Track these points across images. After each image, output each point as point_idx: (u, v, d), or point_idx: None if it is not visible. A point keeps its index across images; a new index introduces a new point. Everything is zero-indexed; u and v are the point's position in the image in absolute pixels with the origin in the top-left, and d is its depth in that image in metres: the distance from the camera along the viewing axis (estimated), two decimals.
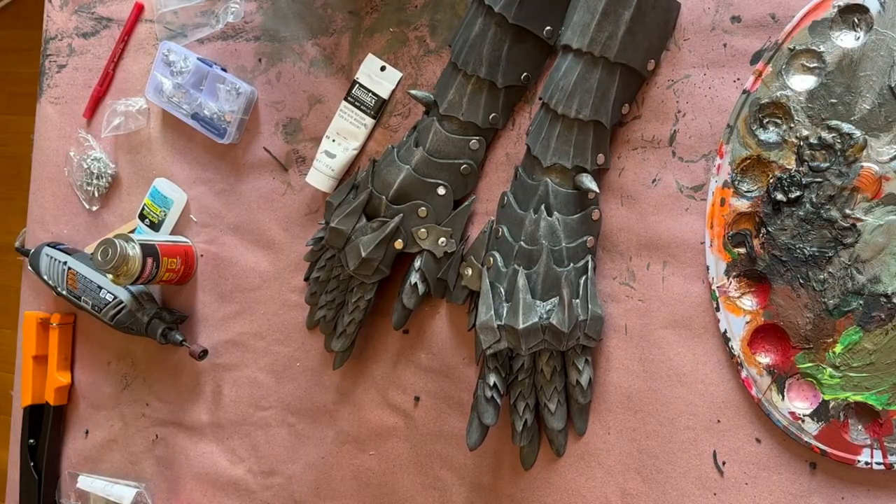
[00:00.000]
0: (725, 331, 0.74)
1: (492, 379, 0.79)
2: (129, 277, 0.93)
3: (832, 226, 0.70)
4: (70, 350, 1.07)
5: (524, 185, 0.79)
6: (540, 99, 0.79)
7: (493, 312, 0.76)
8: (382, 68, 0.89)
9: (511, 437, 0.81)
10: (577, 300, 0.76)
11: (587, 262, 0.78)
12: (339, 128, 0.90)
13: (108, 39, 1.05)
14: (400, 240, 0.84)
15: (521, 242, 0.78)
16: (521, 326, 0.75)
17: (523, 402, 0.80)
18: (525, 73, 0.82)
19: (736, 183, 0.74)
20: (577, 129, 0.76)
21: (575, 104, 0.75)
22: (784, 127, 0.72)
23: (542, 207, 0.77)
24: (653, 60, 0.77)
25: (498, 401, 0.79)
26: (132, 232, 1.02)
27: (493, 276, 0.79)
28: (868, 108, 0.69)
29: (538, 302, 0.76)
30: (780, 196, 0.72)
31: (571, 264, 0.77)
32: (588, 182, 0.76)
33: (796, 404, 0.72)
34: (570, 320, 0.75)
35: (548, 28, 0.80)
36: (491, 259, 0.79)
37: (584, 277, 0.77)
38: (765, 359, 0.73)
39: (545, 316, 0.76)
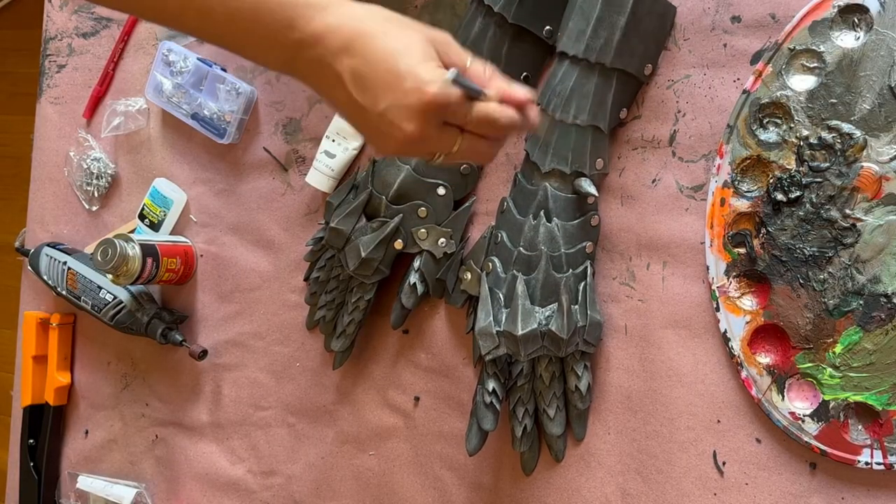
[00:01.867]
0: (725, 331, 0.74)
1: (491, 385, 0.79)
2: (128, 277, 0.93)
3: (832, 226, 0.70)
4: (70, 350, 1.07)
5: (523, 190, 0.79)
6: (538, 104, 0.79)
7: (491, 318, 0.76)
8: None
9: (511, 442, 0.81)
10: (576, 306, 0.76)
11: (586, 267, 0.78)
12: (339, 128, 0.90)
13: (108, 39, 1.05)
14: (400, 240, 0.84)
15: (521, 248, 0.78)
16: (519, 333, 0.75)
17: (522, 407, 0.80)
18: (525, 73, 0.82)
19: (736, 183, 0.74)
20: (575, 134, 0.76)
21: (572, 110, 0.75)
22: (784, 127, 0.72)
23: (542, 213, 0.77)
24: (650, 65, 0.77)
25: (497, 406, 0.79)
26: (132, 232, 1.02)
27: (492, 281, 0.79)
28: (868, 108, 0.69)
29: (537, 308, 0.76)
30: (780, 196, 0.72)
31: (570, 270, 0.77)
32: (587, 186, 0.76)
33: (796, 404, 0.72)
34: (569, 326, 0.75)
35: (547, 28, 0.80)
36: (490, 264, 0.79)
37: (583, 283, 0.77)
38: (765, 359, 0.73)
39: (544, 322, 0.76)
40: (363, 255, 0.83)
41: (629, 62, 0.75)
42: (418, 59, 0.59)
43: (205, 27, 0.63)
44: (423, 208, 0.83)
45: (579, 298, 0.76)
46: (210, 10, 0.60)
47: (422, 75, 0.58)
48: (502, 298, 0.78)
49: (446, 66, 0.61)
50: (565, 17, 0.76)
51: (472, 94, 0.60)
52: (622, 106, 0.77)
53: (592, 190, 0.76)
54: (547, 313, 0.76)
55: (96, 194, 1.05)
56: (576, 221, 0.77)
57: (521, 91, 0.62)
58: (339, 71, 0.60)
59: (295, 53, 0.61)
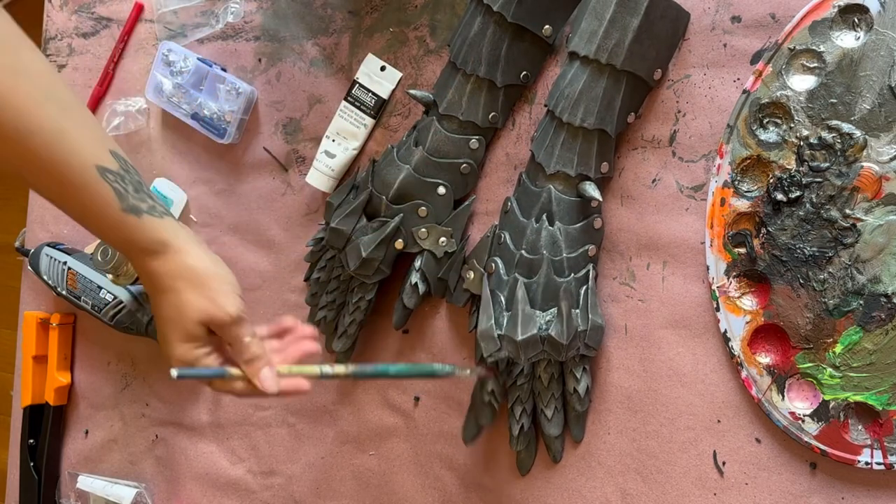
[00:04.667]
0: (725, 331, 0.74)
1: (490, 384, 0.79)
2: (129, 277, 0.93)
3: (832, 226, 0.70)
4: (70, 350, 1.07)
5: (527, 191, 0.79)
6: (545, 106, 0.79)
7: (493, 321, 0.76)
8: (382, 68, 0.89)
9: (508, 441, 0.81)
10: (577, 310, 0.76)
11: (588, 271, 0.77)
12: (339, 128, 0.90)
13: (108, 39, 1.05)
14: (400, 240, 0.84)
15: (523, 251, 0.77)
16: (519, 338, 0.75)
17: (521, 407, 0.80)
18: (524, 72, 0.82)
19: (736, 183, 0.74)
20: (582, 137, 0.76)
21: (580, 112, 0.75)
22: (784, 127, 0.72)
23: (544, 216, 0.77)
24: (660, 70, 0.76)
25: (495, 405, 0.79)
26: None
27: (495, 283, 0.79)
28: (868, 108, 0.69)
29: (538, 312, 0.76)
30: (780, 196, 0.72)
31: (572, 274, 0.77)
32: (591, 190, 0.76)
33: (796, 404, 0.72)
34: (570, 332, 0.75)
35: (547, 27, 0.80)
36: (493, 265, 0.79)
37: (584, 287, 0.77)
38: (765, 359, 0.73)
39: (544, 327, 0.76)
40: (364, 255, 0.83)
41: (640, 65, 0.74)
42: (179, 336, 0.71)
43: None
44: (423, 208, 0.83)
45: (580, 302, 0.76)
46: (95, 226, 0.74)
47: (171, 355, 0.72)
48: (504, 301, 0.78)
49: (224, 341, 0.74)
50: (577, 18, 0.76)
51: (212, 378, 0.73)
52: (630, 110, 0.77)
53: (597, 194, 0.76)
54: (547, 318, 0.76)
55: None
56: (578, 225, 0.77)
57: (269, 382, 0.72)
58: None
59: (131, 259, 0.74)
